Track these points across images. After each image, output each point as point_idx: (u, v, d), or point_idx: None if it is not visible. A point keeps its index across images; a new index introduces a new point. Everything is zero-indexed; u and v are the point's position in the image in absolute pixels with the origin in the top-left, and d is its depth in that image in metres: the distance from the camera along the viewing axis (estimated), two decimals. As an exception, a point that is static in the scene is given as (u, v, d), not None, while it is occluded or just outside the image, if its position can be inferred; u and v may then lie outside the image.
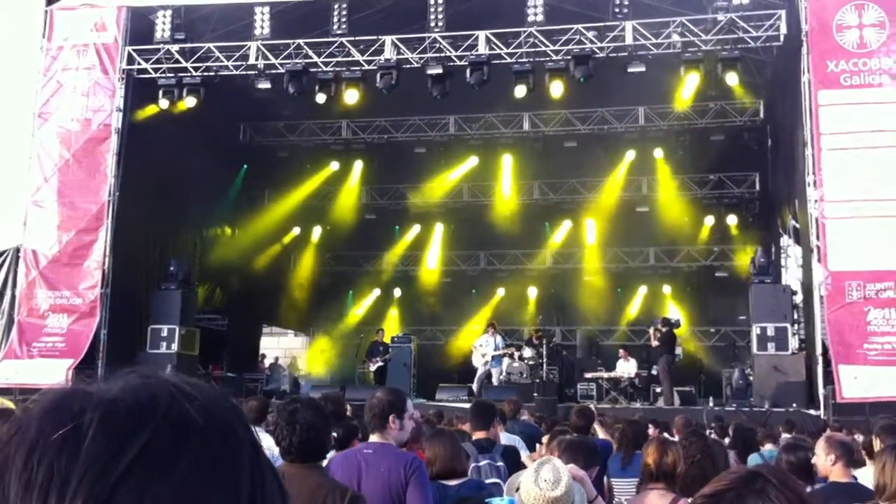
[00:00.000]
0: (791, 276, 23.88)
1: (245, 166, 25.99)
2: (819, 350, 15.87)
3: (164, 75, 19.75)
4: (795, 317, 18.23)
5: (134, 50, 19.62)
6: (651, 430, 9.62)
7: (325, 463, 4.86)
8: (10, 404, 7.07)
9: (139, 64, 19.67)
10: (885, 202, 15.61)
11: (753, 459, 8.86)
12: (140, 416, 0.77)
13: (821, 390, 15.51)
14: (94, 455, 0.74)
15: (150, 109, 20.09)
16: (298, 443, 3.94)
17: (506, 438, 7.50)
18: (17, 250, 19.21)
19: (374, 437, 4.81)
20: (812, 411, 15.47)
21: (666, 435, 7.43)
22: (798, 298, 19.00)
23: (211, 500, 0.77)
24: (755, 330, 17.65)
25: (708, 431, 10.87)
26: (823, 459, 5.66)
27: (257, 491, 0.80)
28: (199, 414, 0.80)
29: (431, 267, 28.23)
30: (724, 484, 1.63)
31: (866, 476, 5.68)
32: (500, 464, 5.97)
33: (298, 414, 3.97)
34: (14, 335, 18.62)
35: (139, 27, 19.75)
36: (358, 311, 28.70)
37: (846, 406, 14.62)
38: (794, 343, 17.59)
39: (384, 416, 4.75)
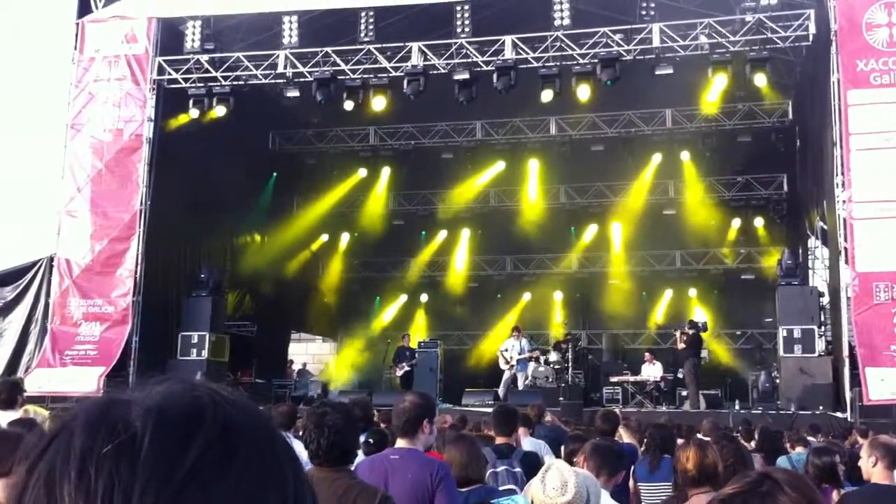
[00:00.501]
0: (818, 277, 23.73)
1: (275, 174, 26.21)
2: (846, 352, 15.77)
3: (193, 85, 19.99)
4: (822, 319, 18.11)
5: (164, 60, 19.89)
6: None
7: (352, 468, 4.94)
8: (44, 412, 7.25)
9: (169, 74, 19.94)
10: (913, 203, 15.51)
11: (782, 463, 8.87)
12: (191, 422, 0.81)
13: (847, 393, 15.40)
14: (154, 462, 0.77)
15: (181, 119, 20.34)
16: (326, 446, 3.97)
17: (530, 444, 7.56)
18: (51, 259, 19.52)
19: (401, 443, 4.80)
20: (839, 414, 15.38)
21: (699, 435, 7.43)
22: (825, 300, 18.88)
23: (265, 496, 0.82)
24: (782, 332, 17.57)
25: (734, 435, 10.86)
26: (866, 461, 5.64)
27: (298, 485, 0.86)
28: (242, 417, 0.84)
29: (458, 272, 28.29)
30: (733, 488, 1.64)
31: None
32: (517, 469, 6.00)
33: (327, 417, 4.01)
34: (47, 344, 18.90)
35: (169, 37, 20.04)
36: (385, 316, 28.80)
37: (873, 408, 14.52)
38: (820, 345, 17.49)
39: (418, 421, 4.76)
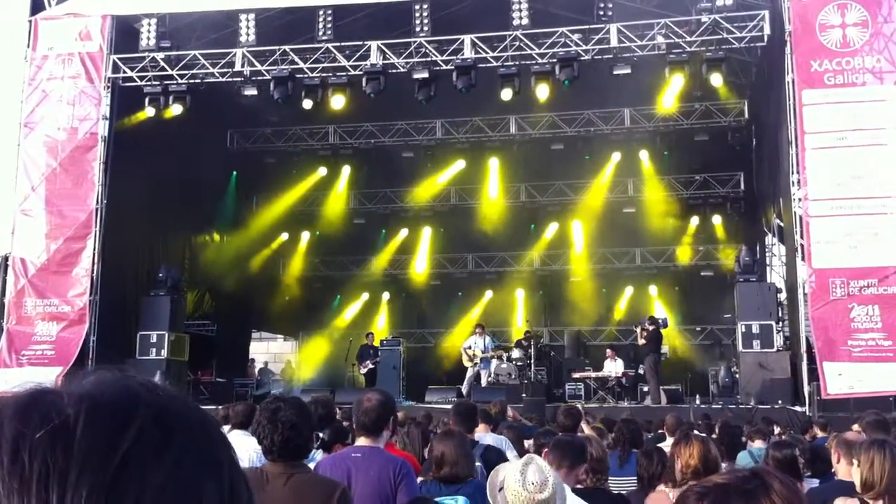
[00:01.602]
0: (776, 274, 24.07)
1: (235, 173, 26.07)
2: (804, 347, 16.02)
3: (149, 83, 19.77)
4: (780, 314, 18.38)
5: (119, 58, 19.64)
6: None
7: (312, 465, 4.90)
8: None
9: (125, 72, 19.69)
10: (867, 200, 15.77)
11: (742, 456, 8.97)
12: (125, 408, 0.80)
13: (806, 387, 15.64)
14: (88, 447, 0.76)
15: (137, 117, 20.11)
16: (280, 441, 3.91)
17: (492, 439, 7.58)
18: (6, 259, 19.21)
19: (363, 440, 4.76)
20: (798, 408, 15.61)
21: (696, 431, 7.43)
22: (783, 296, 19.15)
23: (201, 485, 0.81)
24: (740, 328, 17.81)
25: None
26: (832, 457, 5.72)
27: (234, 476, 0.85)
28: (176, 405, 0.84)
29: (420, 270, 28.29)
30: (720, 479, 1.60)
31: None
32: (477, 463, 6.02)
33: (280, 413, 3.96)
34: (3, 343, 18.61)
35: (124, 35, 19.78)
36: (347, 315, 28.72)
37: (831, 402, 14.77)
38: (779, 340, 17.75)
39: (383, 420, 4.74)
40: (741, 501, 1.52)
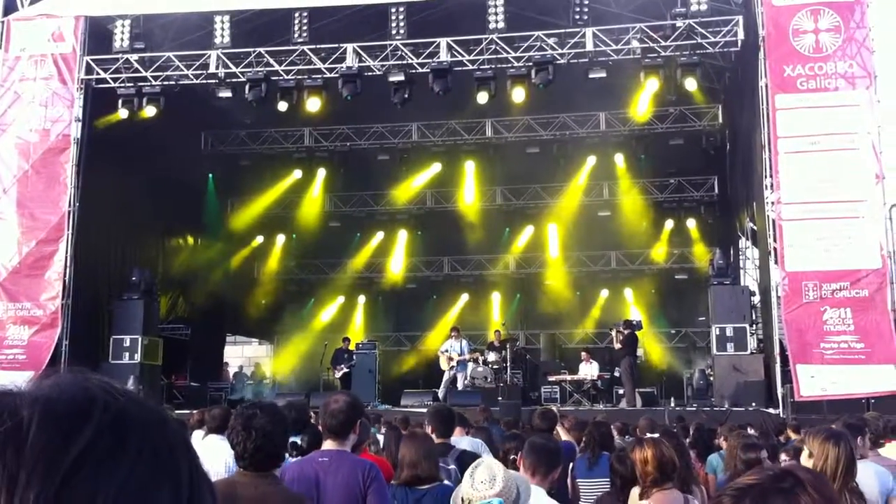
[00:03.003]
0: (749, 277, 24.24)
1: (210, 175, 25.96)
2: (777, 350, 16.12)
3: (123, 85, 19.60)
4: (754, 317, 18.52)
5: (92, 59, 19.48)
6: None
7: (278, 471, 4.85)
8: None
9: (98, 73, 19.52)
10: (839, 203, 15.90)
11: (713, 460, 9.02)
12: (81, 411, 0.79)
13: (779, 389, 15.75)
14: (39, 450, 0.75)
15: (110, 119, 19.93)
16: (253, 449, 3.87)
17: (468, 443, 7.57)
18: (-24, 262, 18.96)
19: (329, 444, 4.70)
20: (771, 410, 15.70)
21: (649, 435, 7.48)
22: (756, 299, 19.29)
23: (157, 490, 0.79)
24: (714, 331, 17.90)
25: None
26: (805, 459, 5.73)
27: (195, 483, 0.84)
28: (135, 409, 0.82)
29: (395, 273, 28.25)
30: (752, 479, 1.60)
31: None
32: (451, 467, 5.99)
33: (255, 420, 3.92)
34: (-27, 348, 18.38)
35: (97, 37, 19.62)
36: (322, 318, 28.62)
37: (804, 404, 14.86)
38: (752, 343, 17.89)
39: (352, 423, 4.69)
40: (780, 500, 1.52)
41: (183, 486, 0.82)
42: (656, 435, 6.53)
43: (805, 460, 4.52)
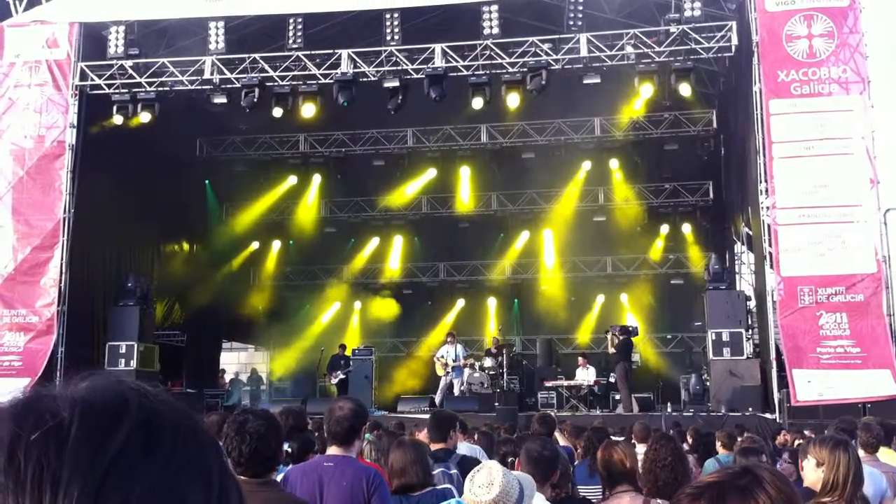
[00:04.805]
0: (745, 282, 24.27)
1: (207, 182, 25.95)
2: (773, 354, 16.14)
3: (117, 91, 19.60)
4: (750, 322, 18.53)
5: (87, 66, 19.47)
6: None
7: (281, 476, 4.84)
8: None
9: (92, 80, 19.51)
10: (834, 208, 15.95)
11: (709, 465, 9.01)
12: (117, 412, 0.82)
13: (776, 394, 15.77)
14: (79, 449, 0.79)
15: (105, 125, 19.90)
16: (248, 453, 3.84)
17: (466, 448, 7.56)
18: (-29, 269, 18.92)
19: (334, 450, 4.69)
20: (768, 415, 15.72)
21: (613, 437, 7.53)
22: (752, 304, 19.31)
23: (188, 489, 0.82)
24: (710, 336, 17.92)
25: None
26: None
27: (223, 482, 0.87)
28: (166, 409, 0.86)
29: (391, 279, 28.24)
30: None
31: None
32: (453, 471, 5.98)
33: (248, 424, 3.89)
34: (-31, 355, 18.33)
35: (92, 43, 19.60)
36: (318, 324, 28.57)
37: (800, 409, 14.89)
38: (748, 348, 17.89)
39: (356, 429, 4.68)
40: (738, 498, 1.52)
41: (213, 485, 0.85)
42: (636, 444, 6.55)
43: (812, 469, 4.50)
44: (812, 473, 4.49)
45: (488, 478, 3.68)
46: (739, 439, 10.83)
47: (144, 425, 0.82)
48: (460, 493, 4.39)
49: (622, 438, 10.48)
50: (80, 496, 0.76)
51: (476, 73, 18.96)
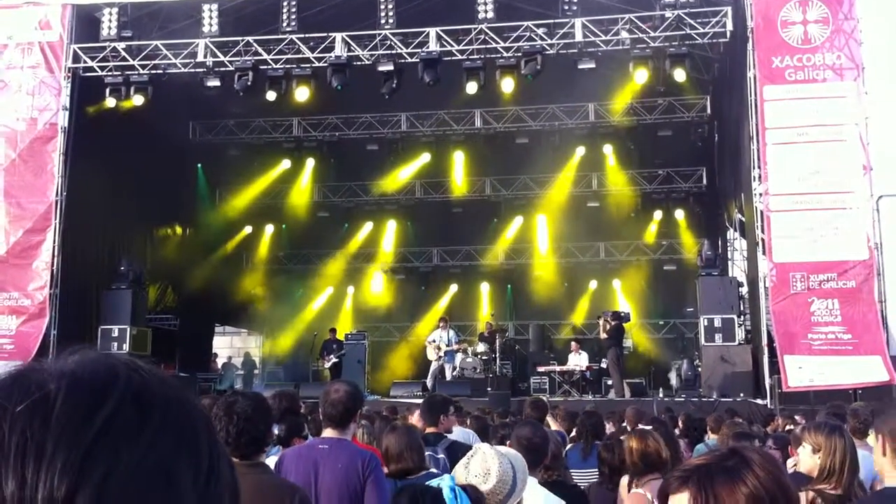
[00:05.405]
0: (737, 268, 24.33)
1: (199, 165, 25.87)
2: (765, 340, 16.21)
3: (110, 73, 19.49)
4: (742, 308, 18.58)
5: (80, 48, 19.36)
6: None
7: (275, 459, 4.85)
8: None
9: (85, 62, 19.41)
10: (827, 195, 15.99)
11: (699, 450, 9.07)
12: (104, 384, 0.82)
13: (767, 380, 15.84)
14: (65, 421, 0.78)
15: (98, 108, 19.82)
16: (235, 433, 3.85)
17: (460, 433, 7.59)
18: (-37, 252, 18.87)
19: (329, 432, 4.71)
20: (759, 401, 15.79)
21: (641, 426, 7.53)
22: (744, 290, 19.36)
23: (176, 463, 0.82)
24: (703, 322, 17.97)
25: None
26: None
27: (214, 457, 0.87)
28: (157, 384, 0.85)
29: (385, 264, 28.25)
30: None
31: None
32: (440, 456, 6.00)
33: (236, 405, 3.92)
34: (-39, 337, 18.31)
35: (84, 25, 19.50)
36: (312, 308, 28.59)
37: (792, 395, 14.96)
38: (740, 334, 17.94)
39: (351, 411, 4.70)
40: (725, 479, 1.53)
41: (202, 459, 0.85)
42: (648, 427, 6.58)
43: (808, 455, 4.52)
44: (809, 460, 4.50)
45: (484, 466, 3.61)
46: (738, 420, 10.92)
47: (134, 399, 0.82)
48: None
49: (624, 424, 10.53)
50: (64, 467, 0.76)
51: (470, 57, 18.91)
